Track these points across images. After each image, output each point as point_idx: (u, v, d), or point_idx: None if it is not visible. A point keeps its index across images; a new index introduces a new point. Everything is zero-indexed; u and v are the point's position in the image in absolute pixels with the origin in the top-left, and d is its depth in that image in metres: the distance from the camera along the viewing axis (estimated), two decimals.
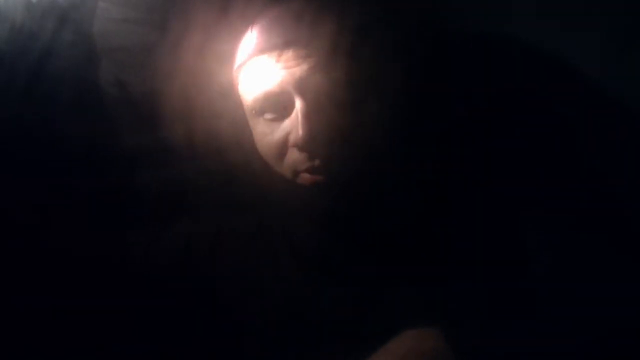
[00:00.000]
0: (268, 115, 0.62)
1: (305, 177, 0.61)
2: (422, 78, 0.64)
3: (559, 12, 0.67)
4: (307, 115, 0.59)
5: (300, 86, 0.59)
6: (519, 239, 0.66)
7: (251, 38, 0.62)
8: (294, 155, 0.61)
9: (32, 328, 0.63)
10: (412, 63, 0.63)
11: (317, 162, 0.60)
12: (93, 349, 0.64)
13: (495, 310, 0.61)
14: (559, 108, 0.68)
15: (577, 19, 0.66)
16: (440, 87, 0.65)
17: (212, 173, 0.70)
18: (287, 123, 0.61)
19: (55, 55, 0.70)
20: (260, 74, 0.61)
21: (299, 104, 0.59)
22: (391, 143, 0.62)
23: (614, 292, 0.64)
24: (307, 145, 0.59)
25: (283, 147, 0.62)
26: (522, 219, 0.67)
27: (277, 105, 0.61)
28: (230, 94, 0.66)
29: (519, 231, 0.67)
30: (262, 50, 0.60)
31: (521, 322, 0.60)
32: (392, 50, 0.62)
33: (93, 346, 0.64)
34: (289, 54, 0.59)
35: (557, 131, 0.68)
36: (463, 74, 0.66)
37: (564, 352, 0.59)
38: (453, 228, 0.65)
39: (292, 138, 0.60)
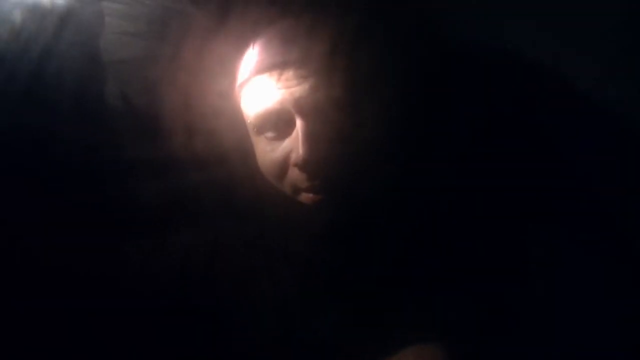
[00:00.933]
0: (269, 134, 0.62)
1: (305, 196, 0.62)
2: (423, 94, 0.64)
3: (556, 17, 0.67)
4: (308, 134, 0.59)
5: (301, 106, 0.59)
6: (519, 248, 0.67)
7: (253, 56, 0.62)
8: (294, 174, 0.61)
9: (28, 340, 0.64)
10: (414, 80, 0.64)
11: (317, 182, 0.60)
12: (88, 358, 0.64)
13: (495, 325, 0.61)
14: (557, 113, 0.68)
15: (575, 24, 0.66)
16: (441, 102, 0.66)
17: (213, 184, 0.70)
18: (287, 142, 0.61)
19: (56, 58, 0.70)
20: (261, 93, 0.61)
21: (299, 123, 0.60)
22: (392, 162, 0.63)
23: (614, 300, 0.64)
24: (308, 165, 0.59)
25: (284, 165, 0.62)
26: (523, 225, 0.67)
27: (278, 124, 0.61)
28: (232, 107, 0.66)
29: (520, 240, 0.67)
30: (263, 70, 0.61)
31: (520, 338, 0.61)
32: (393, 68, 0.62)
33: (91, 355, 0.64)
34: (289, 74, 0.59)
35: (555, 136, 0.69)
36: (463, 82, 0.66)
37: None
38: (454, 240, 0.65)
39: (293, 157, 0.61)
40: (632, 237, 0.68)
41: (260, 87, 0.61)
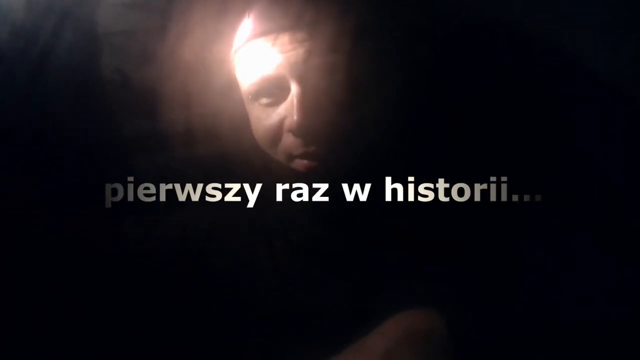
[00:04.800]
0: (264, 100, 0.62)
1: (299, 163, 0.61)
2: (418, 64, 0.63)
3: None
4: (302, 100, 0.58)
5: (296, 71, 0.59)
6: (515, 232, 0.65)
7: (248, 22, 0.62)
8: (288, 140, 0.61)
9: (31, 311, 0.64)
10: (413, 48, 0.63)
11: (311, 148, 0.60)
12: (88, 335, 0.64)
13: (489, 293, 0.60)
14: (559, 101, 0.68)
15: (577, 5, 0.66)
16: (442, 73, 0.65)
17: (209, 162, 0.69)
18: (282, 108, 0.61)
19: (56, 54, 0.70)
20: (256, 58, 0.61)
21: (294, 88, 0.59)
22: (387, 130, 0.62)
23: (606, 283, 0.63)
24: (302, 130, 0.58)
25: (278, 131, 0.61)
26: (520, 213, 0.66)
27: (273, 90, 0.61)
28: (228, 82, 0.66)
29: (517, 225, 0.65)
30: (259, 34, 0.60)
31: (515, 306, 0.60)
32: (390, 37, 0.62)
33: (88, 332, 0.64)
34: (285, 38, 0.59)
35: (557, 124, 0.68)
36: (465, 56, 0.66)
37: (557, 335, 0.58)
38: (452, 213, 0.64)
39: (287, 123, 0.60)
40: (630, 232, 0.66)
41: (255, 53, 0.61)
